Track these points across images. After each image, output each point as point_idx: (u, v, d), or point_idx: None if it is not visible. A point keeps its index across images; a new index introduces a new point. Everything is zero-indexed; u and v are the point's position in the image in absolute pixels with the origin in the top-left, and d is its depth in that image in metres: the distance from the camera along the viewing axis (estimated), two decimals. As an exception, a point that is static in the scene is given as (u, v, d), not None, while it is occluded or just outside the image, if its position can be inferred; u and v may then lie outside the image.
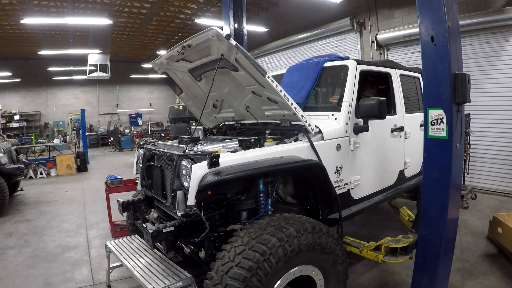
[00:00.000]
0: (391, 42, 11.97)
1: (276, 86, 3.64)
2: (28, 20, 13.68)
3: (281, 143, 4.00)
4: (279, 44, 16.67)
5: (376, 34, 12.19)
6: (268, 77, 3.59)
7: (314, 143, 3.95)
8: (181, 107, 16.54)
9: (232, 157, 3.41)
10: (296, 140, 4.07)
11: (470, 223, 6.99)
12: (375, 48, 12.36)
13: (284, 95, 3.70)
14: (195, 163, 3.22)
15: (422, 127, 5.95)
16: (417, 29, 10.50)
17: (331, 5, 13.52)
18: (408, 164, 5.84)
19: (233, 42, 3.44)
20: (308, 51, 15.14)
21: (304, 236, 3.13)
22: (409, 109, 5.84)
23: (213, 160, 3.13)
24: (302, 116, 3.88)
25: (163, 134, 23.64)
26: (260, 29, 16.82)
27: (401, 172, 5.74)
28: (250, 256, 2.85)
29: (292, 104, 3.78)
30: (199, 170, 3.13)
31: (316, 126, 4.06)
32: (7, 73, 25.31)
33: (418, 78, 6.40)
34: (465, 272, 5.04)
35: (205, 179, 3.06)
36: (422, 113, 6.02)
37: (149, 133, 26.69)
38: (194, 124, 15.30)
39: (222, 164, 3.22)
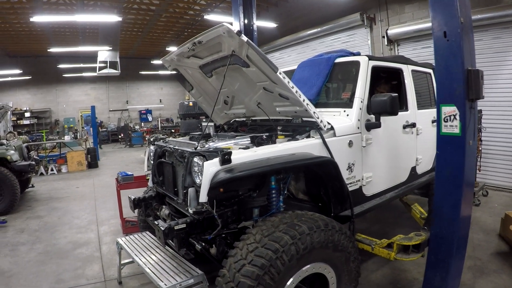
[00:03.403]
0: (401, 37, 11.87)
1: (288, 82, 3.62)
2: (38, 18, 13.71)
3: (293, 140, 3.97)
4: (289, 40, 16.58)
5: (387, 29, 12.09)
6: (280, 73, 3.56)
7: (326, 139, 3.92)
8: (191, 103, 16.55)
9: (244, 153, 3.39)
10: (308, 136, 4.04)
11: (482, 220, 6.92)
12: (386, 43, 12.27)
13: (296, 92, 3.67)
14: (206, 160, 3.22)
15: (434, 123, 5.93)
16: (428, 24, 10.48)
17: (340, 0, 13.41)
18: (420, 161, 5.79)
19: (244, 38, 3.42)
20: (318, 47, 15.04)
21: (316, 233, 3.11)
22: (421, 105, 5.77)
23: (225, 157, 3.12)
24: (314, 112, 3.85)
25: (173, 130, 23.69)
26: (270, 24, 16.74)
27: (413, 169, 5.69)
28: (262, 253, 2.83)
29: (304, 100, 3.75)
30: (211, 167, 3.12)
31: (328, 123, 4.04)
32: (18, 71, 25.33)
33: (430, 74, 6.33)
34: (477, 270, 4.99)
35: (217, 176, 3.06)
36: (434, 109, 6.04)
37: (159, 129, 26.72)
38: (204, 120, 15.28)
39: (234, 161, 3.21)
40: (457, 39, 3.49)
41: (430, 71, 6.37)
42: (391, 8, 12.33)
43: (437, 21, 3.64)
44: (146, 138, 21.63)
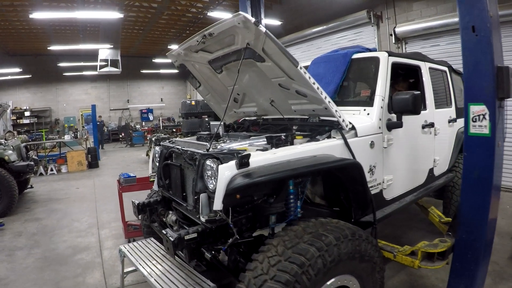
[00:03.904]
0: (410, 35, 11.75)
1: (309, 78, 3.32)
2: (38, 15, 13.46)
3: (313, 140, 3.68)
4: (293, 38, 16.34)
5: (395, 27, 11.95)
6: (301, 68, 3.27)
7: (348, 140, 3.65)
8: (193, 102, 16.43)
9: (263, 156, 3.09)
10: (329, 137, 3.75)
11: (495, 222, 6.71)
12: (393, 41, 12.09)
13: (318, 88, 3.39)
14: (221, 163, 2.92)
15: (451, 123, 5.74)
16: (438, 22, 10.26)
17: (347, -3, 13.22)
18: (437, 162, 5.56)
19: (263, 29, 3.12)
20: (324, 45, 14.88)
21: (344, 244, 2.81)
22: (437, 104, 5.54)
23: (243, 160, 2.81)
24: (336, 111, 3.57)
25: (174, 130, 23.54)
26: (274, 22, 16.45)
27: (431, 170, 5.45)
28: (287, 268, 2.53)
29: (326, 98, 3.47)
30: (227, 171, 2.81)
31: (349, 122, 3.75)
32: (18, 70, 25.15)
33: (446, 72, 6.13)
34: (496, 276, 4.82)
35: (234, 182, 2.75)
36: (450, 109, 5.86)
37: (161, 128, 26.62)
38: (207, 119, 15.11)
39: (252, 164, 2.91)
40: (486, 34, 3.37)
41: (446, 69, 6.17)
42: (399, 5, 12.18)
43: (465, 15, 3.50)
44: (148, 138, 21.55)
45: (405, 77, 5.84)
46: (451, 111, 5.94)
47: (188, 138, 5.03)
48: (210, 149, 3.29)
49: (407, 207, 5.09)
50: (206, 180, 3.06)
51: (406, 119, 4.22)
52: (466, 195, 3.77)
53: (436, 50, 10.67)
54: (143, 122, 31.67)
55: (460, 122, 6.00)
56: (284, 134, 3.71)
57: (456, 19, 10.10)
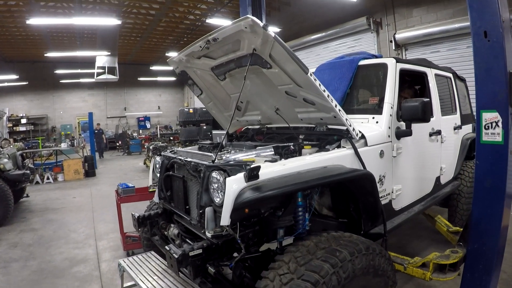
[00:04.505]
0: (410, 41, 11.78)
1: (320, 85, 3.19)
2: (34, 21, 13.40)
3: (322, 150, 3.55)
4: (292, 45, 16.23)
5: (395, 34, 11.96)
6: (311, 74, 3.13)
7: (358, 149, 3.52)
8: (191, 110, 16.38)
9: (273, 168, 2.94)
10: (339, 146, 3.62)
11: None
12: (393, 48, 12.05)
13: (328, 96, 3.25)
14: (228, 175, 2.77)
15: (456, 130, 5.64)
16: (439, 28, 10.23)
17: (346, 4, 13.25)
18: (444, 170, 5.45)
19: (272, 33, 2.99)
20: (322, 52, 14.90)
21: (358, 259, 2.66)
22: (443, 111, 5.45)
23: (253, 172, 2.65)
24: (346, 119, 3.44)
25: (172, 138, 23.45)
26: (273, 29, 16.30)
27: (438, 179, 5.34)
28: (300, 287, 2.38)
29: (336, 106, 3.33)
30: (235, 184, 2.66)
31: (359, 131, 3.62)
32: (14, 76, 25.04)
33: (450, 78, 6.04)
34: (504, 284, 4.74)
35: (242, 195, 2.60)
36: (455, 115, 5.77)
37: (158, 136, 26.52)
38: (205, 127, 15.03)
39: (261, 176, 2.75)
40: (499, 39, 3.31)
41: (451, 75, 6.09)
42: (398, 12, 12.18)
43: (476, 21, 3.44)
44: (145, 146, 21.36)
45: (411, 84, 5.76)
46: (456, 118, 5.86)
47: (190, 147, 4.87)
48: (216, 160, 3.13)
49: (415, 217, 4.99)
50: (212, 193, 2.91)
51: (414, 127, 4.13)
52: (478, 204, 3.69)
53: (436, 56, 10.65)
54: (140, 130, 31.54)
55: (465, 129, 5.92)
56: (292, 143, 3.56)
57: (457, 25, 10.10)
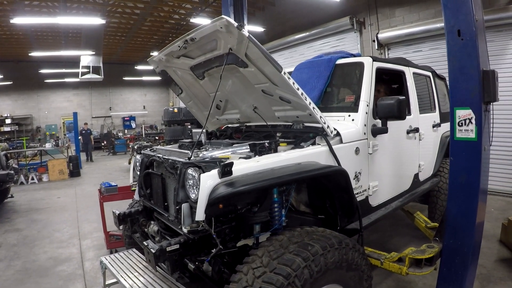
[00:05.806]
0: (392, 41, 11.83)
1: (293, 84, 3.26)
2: (19, 20, 13.29)
3: (297, 147, 3.61)
4: (276, 45, 16.37)
5: (377, 33, 12.02)
6: (285, 73, 3.20)
7: (333, 146, 3.58)
8: (176, 110, 16.33)
9: (247, 164, 3.01)
10: (314, 143, 3.68)
11: (480, 225, 6.74)
12: (376, 47, 12.14)
13: (302, 94, 3.33)
14: (203, 171, 2.83)
15: (435, 128, 5.74)
16: (420, 28, 10.36)
17: (330, 4, 13.31)
18: (422, 167, 5.56)
19: (246, 33, 3.04)
20: (306, 51, 14.90)
21: (330, 253, 2.73)
22: (421, 109, 5.55)
23: (226, 168, 2.71)
24: (320, 117, 3.51)
25: (157, 137, 23.40)
26: (257, 29, 16.44)
27: (416, 176, 5.44)
28: (272, 280, 2.44)
29: (310, 104, 3.40)
30: (209, 180, 2.72)
31: (334, 129, 3.70)
32: (-2, 76, 24.77)
33: (429, 77, 6.14)
34: (483, 279, 4.85)
35: (216, 191, 2.66)
36: (434, 113, 5.87)
37: (143, 136, 26.45)
38: (189, 126, 15.01)
39: (235, 172, 2.81)
40: (472, 37, 3.38)
41: (430, 74, 6.20)
42: (381, 12, 12.26)
43: (450, 19, 3.51)
44: (130, 146, 21.39)
45: (389, 82, 5.84)
46: (435, 116, 5.96)
47: (170, 146, 4.91)
48: (192, 158, 3.19)
49: (393, 213, 5.07)
50: (188, 189, 2.97)
51: (390, 124, 4.21)
52: (453, 200, 3.76)
53: (418, 56, 10.76)
54: (126, 130, 31.44)
55: (444, 126, 6.01)
56: (268, 141, 3.63)
57: (438, 25, 10.18)
